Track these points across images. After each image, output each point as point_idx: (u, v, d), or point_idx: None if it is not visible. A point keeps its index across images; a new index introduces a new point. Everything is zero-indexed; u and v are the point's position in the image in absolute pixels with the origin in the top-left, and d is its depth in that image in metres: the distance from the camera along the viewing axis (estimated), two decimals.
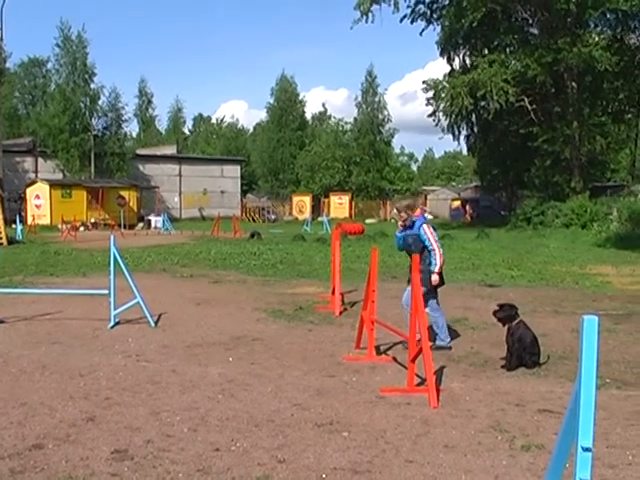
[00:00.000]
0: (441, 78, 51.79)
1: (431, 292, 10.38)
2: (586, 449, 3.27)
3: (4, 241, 33.28)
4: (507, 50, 50.34)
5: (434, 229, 10.68)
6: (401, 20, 52.31)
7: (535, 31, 51.38)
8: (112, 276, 12.25)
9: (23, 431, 6.66)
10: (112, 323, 12.20)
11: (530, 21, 51.55)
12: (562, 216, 43.35)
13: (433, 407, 7.40)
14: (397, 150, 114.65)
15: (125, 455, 6.03)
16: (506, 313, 9.41)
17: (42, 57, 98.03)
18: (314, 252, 28.19)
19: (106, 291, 12.39)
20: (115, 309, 12.25)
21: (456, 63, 56.59)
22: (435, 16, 52.91)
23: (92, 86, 72.30)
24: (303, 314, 13.55)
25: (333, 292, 14.11)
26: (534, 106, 47.88)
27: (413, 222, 10.52)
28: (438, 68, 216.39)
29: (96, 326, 12.17)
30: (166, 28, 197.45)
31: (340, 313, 13.50)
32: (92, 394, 7.93)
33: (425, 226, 10.46)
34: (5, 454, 6.06)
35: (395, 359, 9.66)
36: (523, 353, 9.18)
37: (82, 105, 71.07)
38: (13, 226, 42.10)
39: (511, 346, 9.20)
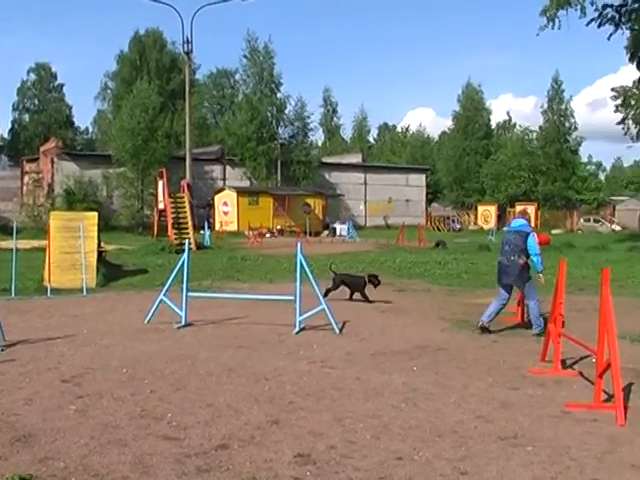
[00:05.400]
0: (630, 85, 50.04)
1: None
2: None
3: (193, 246, 34.38)
4: None
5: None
6: (587, 24, 50.76)
7: None
8: (298, 283, 12.48)
9: (210, 431, 6.88)
10: (297, 329, 12.42)
11: None
12: None
13: (620, 425, 7.17)
14: (584, 159, 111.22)
15: (308, 459, 6.12)
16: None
17: (230, 68, 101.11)
18: None
19: (292, 297, 12.65)
20: (300, 315, 12.46)
21: None
22: (623, 20, 51.16)
23: (278, 95, 74.56)
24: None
25: (519, 303, 13.85)
26: None
27: None
28: (632, 73, 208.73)
29: (281, 331, 12.43)
30: (349, 37, 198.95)
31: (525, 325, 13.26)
32: (277, 398, 8.09)
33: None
34: (192, 452, 6.28)
35: (581, 374, 9.40)
36: None
37: (269, 114, 73.19)
38: (201, 232, 43.51)
39: None
